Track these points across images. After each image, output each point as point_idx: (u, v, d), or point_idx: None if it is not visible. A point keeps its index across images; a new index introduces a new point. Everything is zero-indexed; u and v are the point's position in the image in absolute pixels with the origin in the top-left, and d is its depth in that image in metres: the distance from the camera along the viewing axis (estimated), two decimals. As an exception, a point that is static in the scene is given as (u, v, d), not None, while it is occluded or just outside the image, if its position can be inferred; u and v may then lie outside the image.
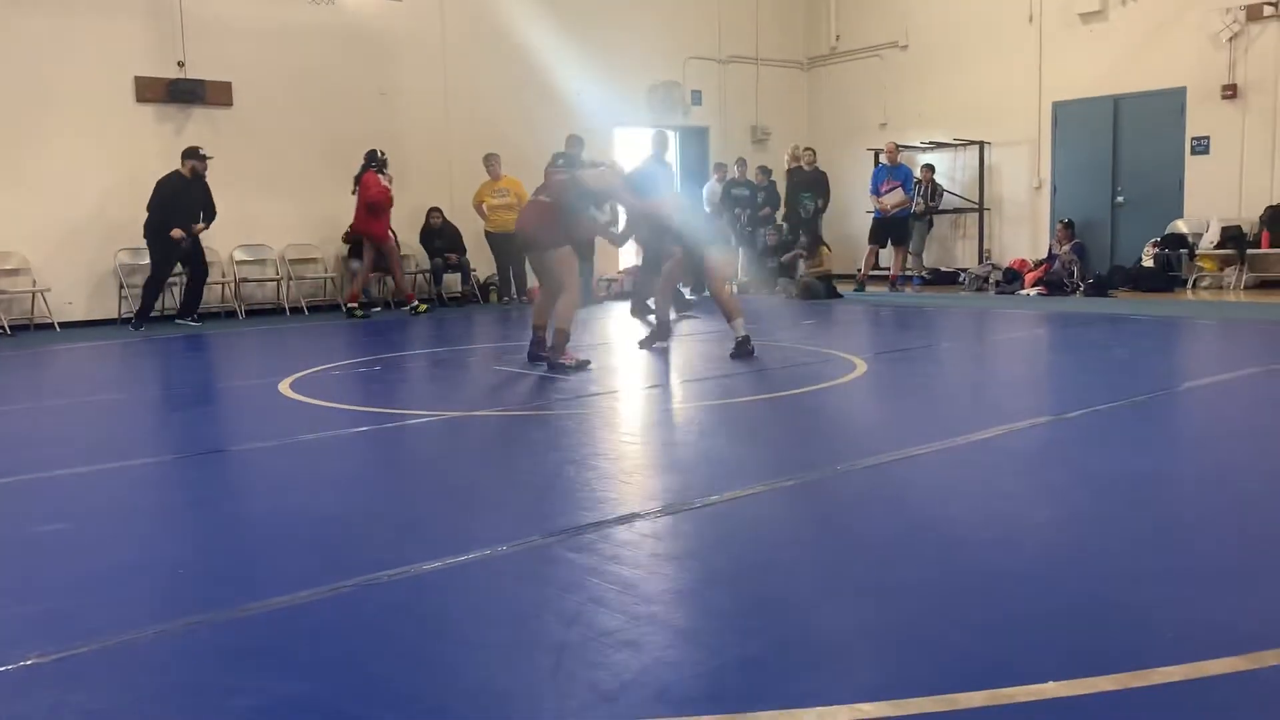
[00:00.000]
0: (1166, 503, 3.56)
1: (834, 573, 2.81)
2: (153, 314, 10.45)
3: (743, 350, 6.88)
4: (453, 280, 12.76)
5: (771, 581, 2.73)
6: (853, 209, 14.86)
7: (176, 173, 10.37)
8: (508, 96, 12.90)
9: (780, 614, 2.49)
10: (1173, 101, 12.36)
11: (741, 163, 14.01)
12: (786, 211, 14.00)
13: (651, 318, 8.19)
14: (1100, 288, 11.72)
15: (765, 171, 14.21)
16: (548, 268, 6.64)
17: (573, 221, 6.64)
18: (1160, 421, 4.94)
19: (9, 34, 10.10)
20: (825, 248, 13.28)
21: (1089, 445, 4.36)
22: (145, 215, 10.19)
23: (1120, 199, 13.07)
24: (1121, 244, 13.01)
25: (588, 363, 6.62)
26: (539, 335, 6.83)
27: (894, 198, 13.19)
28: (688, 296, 11.37)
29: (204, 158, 10.41)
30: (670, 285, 7.96)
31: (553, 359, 6.50)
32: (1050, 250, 12.83)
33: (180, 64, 10.97)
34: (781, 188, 14.20)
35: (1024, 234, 14.06)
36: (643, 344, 7.62)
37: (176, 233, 10.19)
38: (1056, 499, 3.57)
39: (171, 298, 11.00)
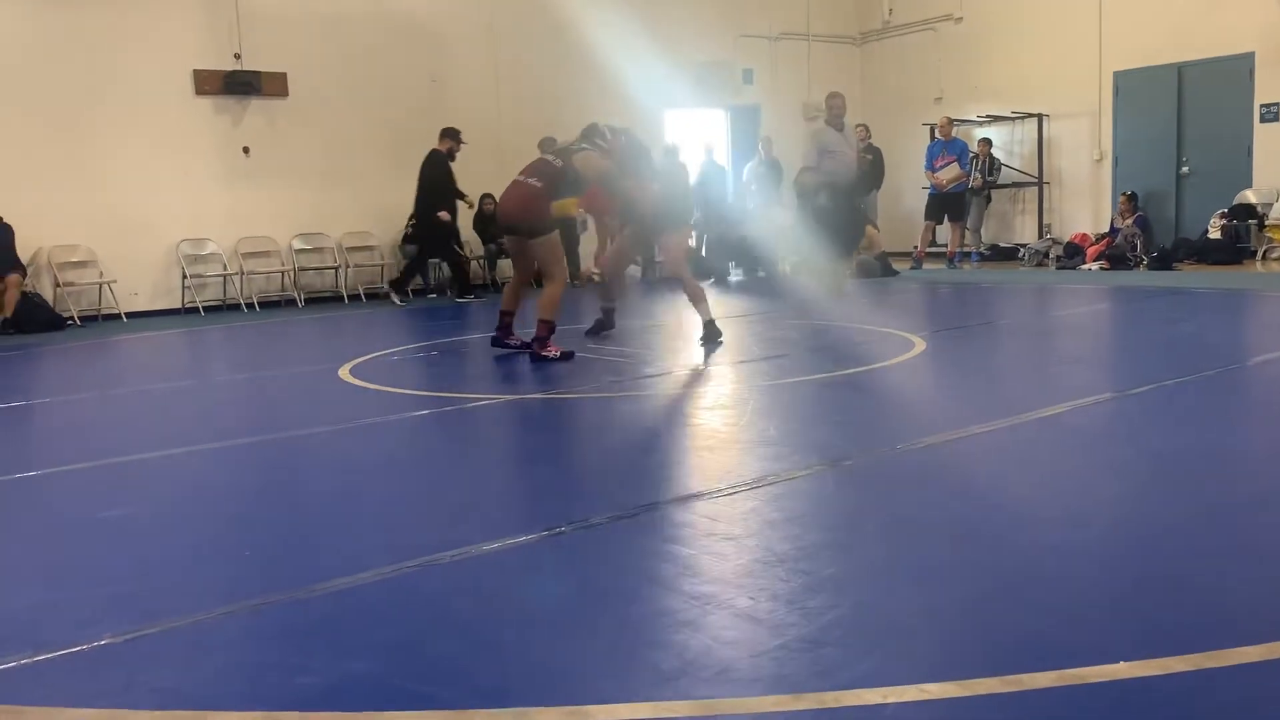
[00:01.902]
0: (1237, 479, 3.46)
1: (895, 552, 2.78)
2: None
3: (711, 334, 6.65)
4: (506, 266, 12.80)
5: (832, 561, 2.70)
6: (908, 185, 14.64)
7: (436, 151, 10.73)
8: (558, 80, 12.88)
9: (841, 594, 2.46)
10: (1240, 67, 11.98)
11: (767, 142, 13.92)
12: None
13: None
14: (1165, 261, 11.43)
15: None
16: (532, 254, 6.41)
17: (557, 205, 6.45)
18: (1229, 397, 4.81)
19: (72, 30, 10.31)
20: (872, 227, 13.10)
21: (1156, 421, 4.26)
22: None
23: (1185, 169, 12.72)
24: (1187, 216, 12.67)
25: (571, 354, 6.32)
26: (506, 321, 6.67)
27: (949, 173, 12.97)
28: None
29: (461, 140, 10.88)
30: (619, 265, 7.59)
31: (536, 350, 6.26)
32: (1112, 224, 12.54)
33: (237, 56, 11.12)
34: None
35: (1085, 208, 13.76)
36: (589, 333, 7.28)
37: (443, 215, 10.58)
38: (1123, 476, 3.49)
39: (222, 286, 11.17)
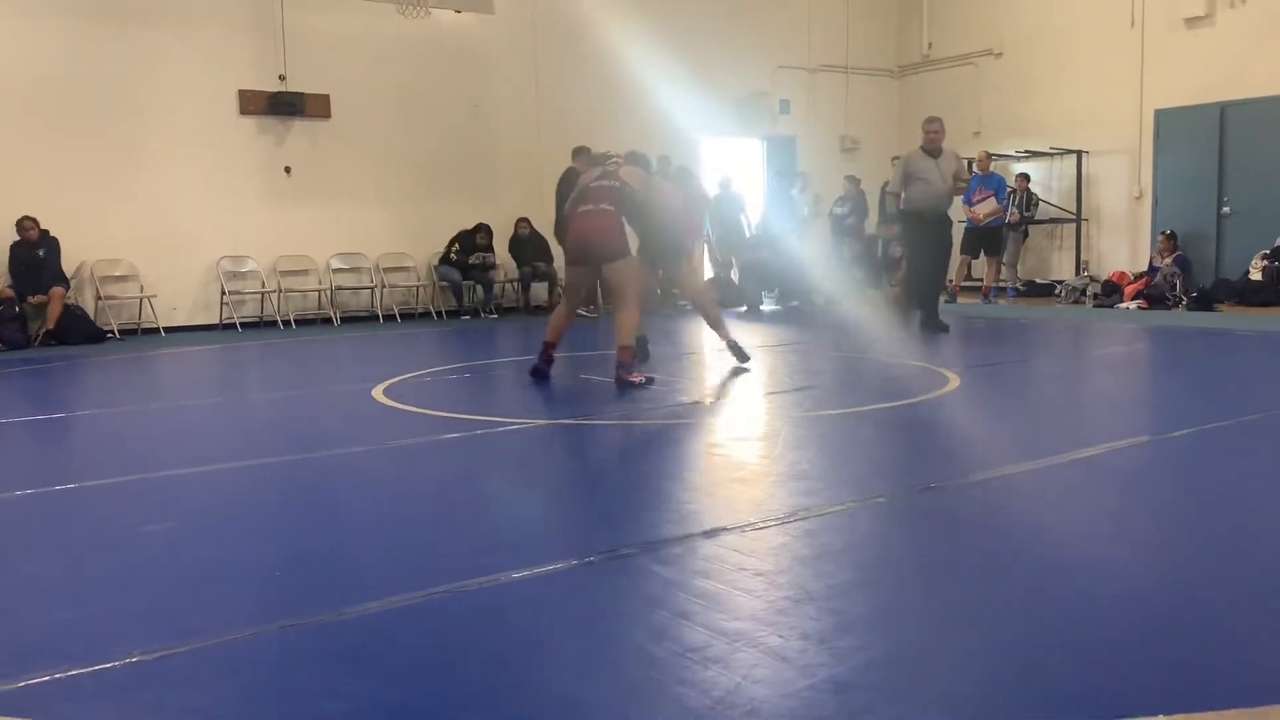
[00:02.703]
0: (1276, 526, 3.39)
1: (929, 594, 2.75)
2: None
3: (738, 354, 7.06)
4: (540, 289, 12.88)
5: (863, 600, 2.67)
6: (944, 219, 14.58)
7: (572, 169, 10.60)
8: (598, 108, 12.98)
9: (873, 635, 2.43)
10: (1284, 108, 11.87)
11: (804, 177, 14.10)
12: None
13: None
14: (1205, 302, 11.29)
15: (854, 181, 14.07)
16: (610, 278, 6.39)
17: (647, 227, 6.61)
18: (1272, 442, 4.73)
19: (122, 48, 10.53)
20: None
21: (1195, 466, 4.20)
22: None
23: (1226, 209, 12.59)
24: (1228, 256, 12.52)
25: (652, 381, 6.35)
26: (551, 354, 6.61)
27: (986, 207, 12.91)
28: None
29: (593, 157, 10.87)
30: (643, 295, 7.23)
31: (622, 376, 6.24)
32: (1151, 262, 12.42)
33: (281, 77, 11.30)
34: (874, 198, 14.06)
35: (1123, 245, 13.64)
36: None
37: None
38: (1162, 521, 3.43)
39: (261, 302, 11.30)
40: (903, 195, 9.21)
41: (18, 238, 9.94)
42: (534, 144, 12.86)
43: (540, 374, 6.62)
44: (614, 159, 6.78)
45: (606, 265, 6.41)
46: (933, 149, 9.09)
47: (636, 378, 6.24)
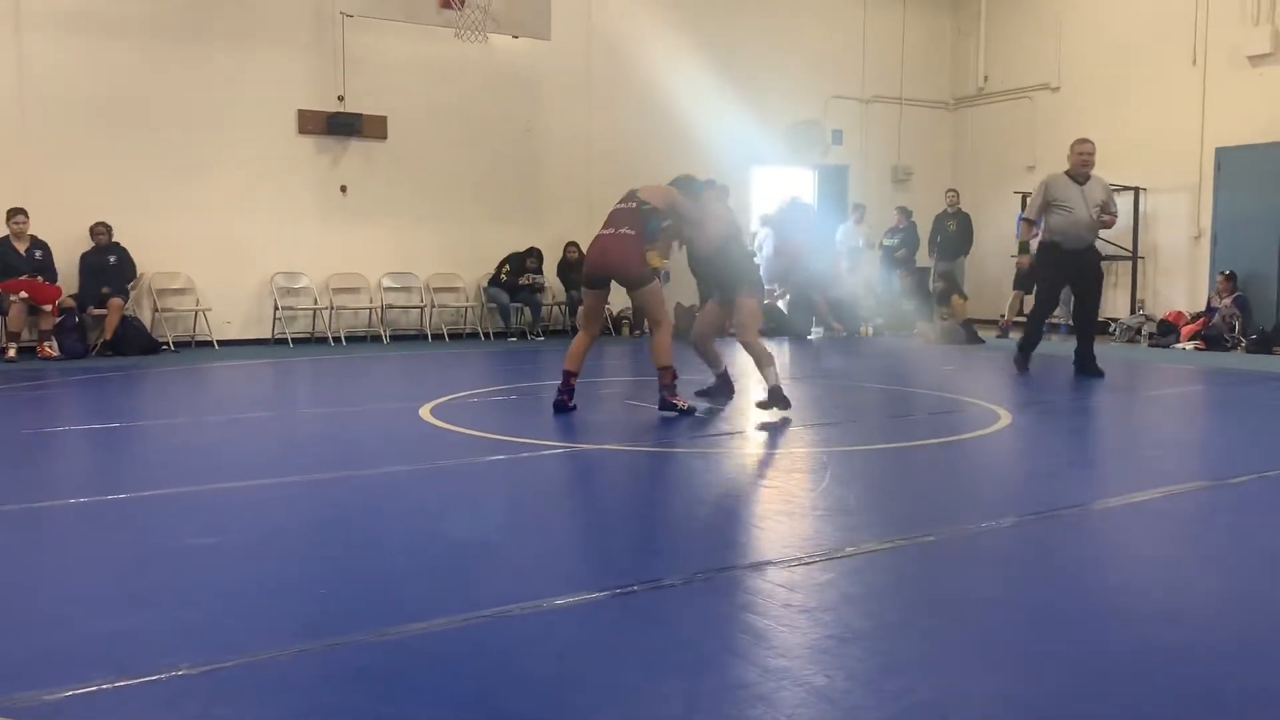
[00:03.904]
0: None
1: (977, 636, 2.69)
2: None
3: (776, 400, 6.21)
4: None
5: (910, 642, 2.62)
6: (997, 253, 14.45)
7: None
8: (649, 134, 13.04)
9: (919, 678, 2.38)
10: (1350, 149, 11.62)
11: (860, 209, 14.08)
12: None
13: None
14: (1265, 344, 11.05)
15: (905, 213, 13.99)
16: (638, 303, 6.23)
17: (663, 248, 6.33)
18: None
19: (187, 66, 10.77)
20: (959, 296, 12.91)
21: (1256, 514, 4.09)
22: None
23: (1289, 251, 12.32)
24: (1290, 299, 12.25)
25: (693, 410, 6.23)
26: (573, 384, 6.29)
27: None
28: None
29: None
30: (711, 331, 6.70)
31: (664, 399, 6.15)
32: (1209, 303, 12.18)
33: (340, 98, 11.49)
34: (925, 230, 13.98)
35: (1180, 285, 13.39)
36: (701, 394, 6.63)
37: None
38: (1220, 571, 3.34)
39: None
40: (1042, 223, 8.33)
41: (92, 244, 10.18)
42: (584, 169, 12.94)
43: (562, 408, 6.25)
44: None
45: (631, 292, 6.33)
46: (1079, 174, 8.17)
47: (680, 400, 6.19)
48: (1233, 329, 11.55)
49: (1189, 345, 11.59)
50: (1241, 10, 12.51)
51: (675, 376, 6.23)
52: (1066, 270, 8.28)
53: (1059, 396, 7.78)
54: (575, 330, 12.64)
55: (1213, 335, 11.51)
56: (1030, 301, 13.25)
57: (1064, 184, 8.14)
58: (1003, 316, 13.14)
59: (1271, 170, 12.36)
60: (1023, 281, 12.98)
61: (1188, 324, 12.11)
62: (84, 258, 10.21)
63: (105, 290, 10.01)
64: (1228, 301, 11.80)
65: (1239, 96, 12.55)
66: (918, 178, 15.57)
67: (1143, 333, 12.45)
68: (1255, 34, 12.33)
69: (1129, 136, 13.55)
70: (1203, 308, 12.30)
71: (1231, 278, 11.97)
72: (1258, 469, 4.76)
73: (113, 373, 8.73)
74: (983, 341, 11.96)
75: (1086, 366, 8.40)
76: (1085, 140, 8.28)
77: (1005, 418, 6.29)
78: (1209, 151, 12.90)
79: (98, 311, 10.07)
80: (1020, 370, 8.58)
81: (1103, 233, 13.72)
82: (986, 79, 15.56)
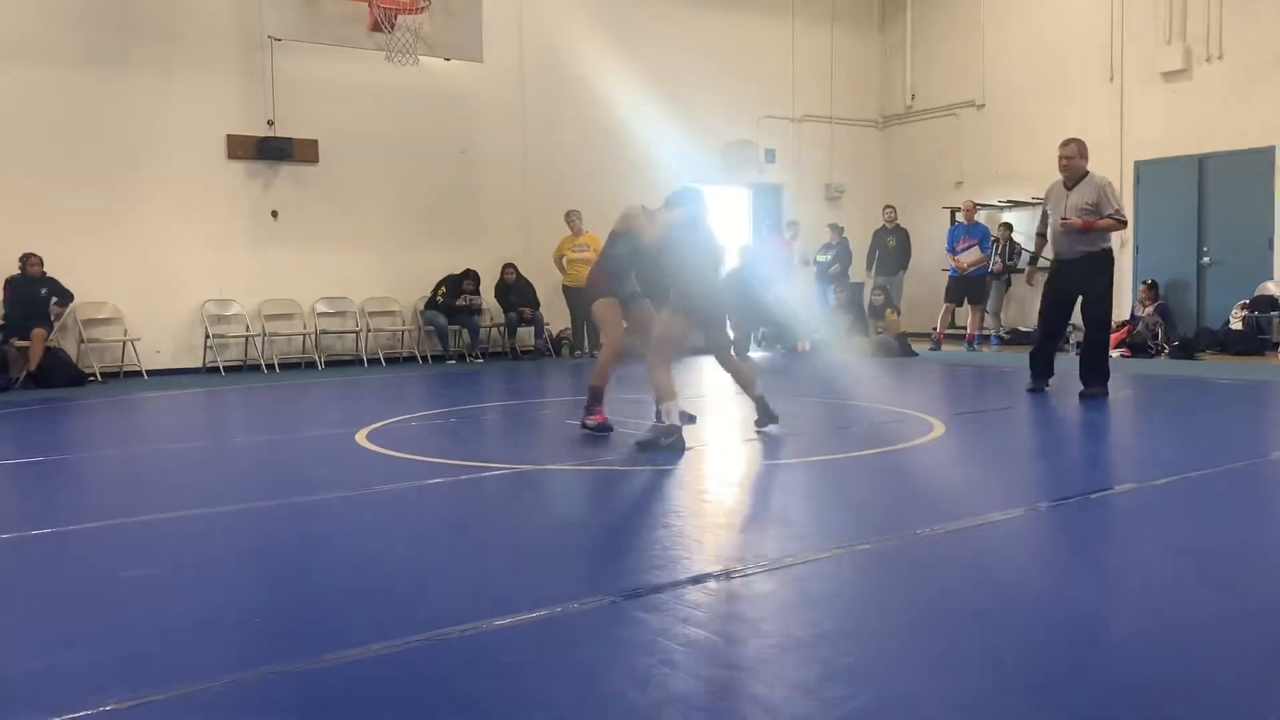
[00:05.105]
0: (1266, 576, 3.39)
1: (915, 642, 2.73)
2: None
3: (664, 433, 5.67)
4: (526, 334, 12.89)
5: (850, 649, 2.65)
6: (928, 267, 14.72)
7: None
8: (584, 155, 13.09)
9: (859, 684, 2.41)
10: (1262, 160, 12.05)
11: (794, 225, 14.45)
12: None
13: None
14: (1186, 350, 11.39)
15: (837, 229, 14.20)
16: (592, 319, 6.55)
17: (620, 271, 6.24)
18: (1255, 491, 4.75)
19: (112, 92, 10.57)
20: (893, 311, 13.12)
21: (1179, 515, 4.20)
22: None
23: (1206, 260, 12.73)
24: (1208, 306, 12.64)
25: (610, 430, 6.13)
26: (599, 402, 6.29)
27: (970, 256, 13.03)
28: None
29: None
30: (667, 347, 5.98)
31: (583, 417, 6.24)
32: (1133, 311, 12.52)
33: (270, 122, 11.35)
34: (859, 246, 14.22)
35: (1105, 294, 13.73)
36: (758, 425, 6.30)
37: None
38: (1147, 570, 3.43)
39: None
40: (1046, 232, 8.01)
41: (18, 272, 9.89)
42: (521, 190, 12.94)
43: (604, 429, 6.17)
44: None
45: (589, 306, 6.48)
46: (1068, 179, 7.71)
47: (593, 419, 6.19)
48: (1156, 336, 11.89)
49: (1115, 353, 11.88)
50: (1155, 30, 12.95)
51: (599, 399, 6.21)
52: (1062, 279, 7.86)
53: (991, 405, 7.93)
54: (515, 352, 12.63)
55: (1137, 343, 11.83)
56: (961, 314, 13.59)
57: (1055, 191, 7.85)
58: (934, 329, 13.38)
59: (1187, 181, 12.79)
60: (953, 294, 13.28)
61: (1113, 332, 12.42)
62: (11, 285, 9.92)
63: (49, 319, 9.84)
64: (1150, 310, 12.15)
65: (1155, 111, 12.97)
66: (850, 195, 15.82)
67: (1070, 341, 12.73)
68: (1168, 51, 12.77)
69: (1052, 150, 13.79)
70: (1127, 316, 12.64)
71: (1153, 287, 12.33)
72: (1179, 471, 4.90)
73: (35, 406, 8.49)
74: (916, 354, 12.15)
75: (1084, 382, 7.80)
76: (1067, 142, 7.86)
77: (939, 427, 6.40)
78: (1129, 165, 13.29)
79: (20, 343, 9.79)
80: (1030, 389, 8.14)
81: (1029, 245, 13.99)
82: (914, 97, 15.89)
